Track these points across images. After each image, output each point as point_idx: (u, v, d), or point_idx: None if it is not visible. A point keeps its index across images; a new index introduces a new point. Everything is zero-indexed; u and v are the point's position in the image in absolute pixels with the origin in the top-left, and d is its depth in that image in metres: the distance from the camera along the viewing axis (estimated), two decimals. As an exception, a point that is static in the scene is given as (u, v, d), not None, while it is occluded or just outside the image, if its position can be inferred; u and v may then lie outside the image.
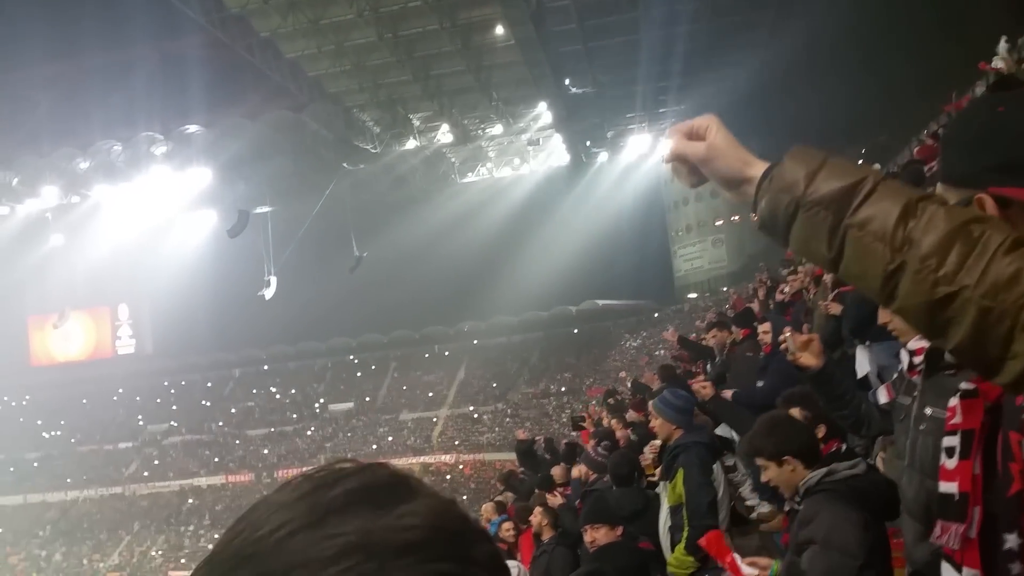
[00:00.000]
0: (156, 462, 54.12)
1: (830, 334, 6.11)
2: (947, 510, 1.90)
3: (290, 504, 0.59)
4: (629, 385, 16.47)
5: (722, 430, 6.98)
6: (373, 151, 41.71)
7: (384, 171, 44.27)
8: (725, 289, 46.01)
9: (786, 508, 3.79)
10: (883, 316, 3.52)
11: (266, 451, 52.56)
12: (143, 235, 50.42)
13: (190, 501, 49.62)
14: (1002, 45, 9.55)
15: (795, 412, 4.28)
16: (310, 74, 36.45)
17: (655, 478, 6.23)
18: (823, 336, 4.86)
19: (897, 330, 3.47)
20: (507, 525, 9.24)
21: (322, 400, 57.55)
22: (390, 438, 51.82)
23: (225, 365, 62.18)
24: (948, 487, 1.91)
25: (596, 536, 5.44)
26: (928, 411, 2.90)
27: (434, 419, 53.21)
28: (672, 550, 5.33)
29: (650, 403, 6.27)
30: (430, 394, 55.58)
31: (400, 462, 38.34)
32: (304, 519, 0.57)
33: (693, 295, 55.63)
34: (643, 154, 47.01)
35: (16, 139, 39.75)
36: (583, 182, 49.84)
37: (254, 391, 60.03)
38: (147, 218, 47.62)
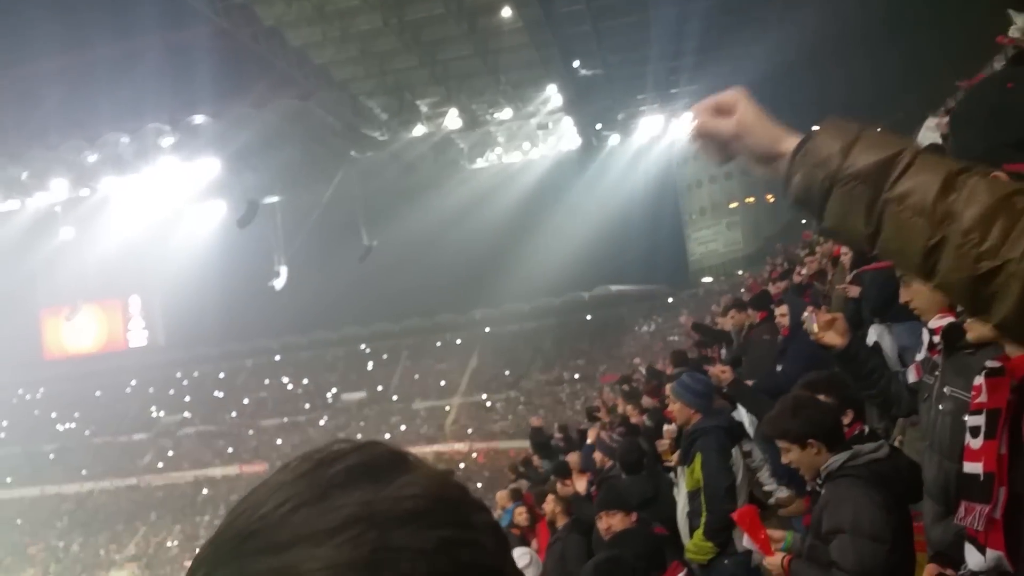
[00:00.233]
0: (170, 453, 54.45)
1: (849, 317, 6.03)
2: (971, 491, 1.87)
3: (291, 482, 0.61)
4: (644, 371, 16.39)
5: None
6: (381, 138, 41.58)
7: (393, 158, 44.08)
8: (740, 272, 45.78)
9: (808, 489, 3.74)
10: (904, 295, 3.45)
11: (279, 441, 52.73)
12: (153, 227, 50.40)
13: (205, 491, 50.01)
14: (1016, 16, 9.37)
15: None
16: (316, 62, 36.25)
17: (672, 463, 6.18)
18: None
19: (918, 309, 3.41)
20: (520, 510, 9.25)
21: (335, 389, 57.67)
22: (403, 427, 51.91)
23: (237, 356, 62.29)
24: (973, 467, 1.87)
25: (611, 522, 5.42)
26: (947, 390, 2.86)
27: (447, 407, 53.29)
28: (691, 536, 5.28)
29: (668, 387, 6.24)
30: (442, 382, 55.64)
31: (413, 451, 38.21)
32: (306, 495, 0.59)
33: (708, 279, 55.08)
34: (655, 136, 46.15)
35: (25, 133, 39.82)
36: (594, 166, 49.08)
37: (266, 381, 60.19)
38: (156, 210, 47.62)
